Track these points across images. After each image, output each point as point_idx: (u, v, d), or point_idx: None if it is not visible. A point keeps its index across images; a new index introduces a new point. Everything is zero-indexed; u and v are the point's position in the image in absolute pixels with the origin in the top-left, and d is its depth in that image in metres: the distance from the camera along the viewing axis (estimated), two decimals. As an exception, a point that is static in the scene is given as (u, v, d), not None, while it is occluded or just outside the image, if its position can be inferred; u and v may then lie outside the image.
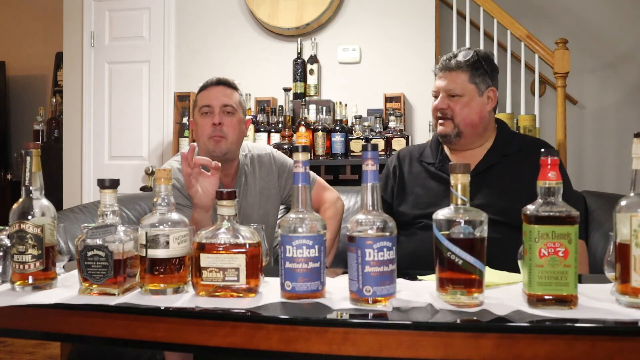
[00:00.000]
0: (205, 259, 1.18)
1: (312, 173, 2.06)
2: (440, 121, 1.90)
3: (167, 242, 1.19)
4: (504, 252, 1.44)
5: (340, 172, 3.36)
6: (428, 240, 1.70)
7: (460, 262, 1.08)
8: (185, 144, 3.65)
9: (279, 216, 2.15)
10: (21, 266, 1.25)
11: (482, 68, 1.88)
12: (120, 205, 1.27)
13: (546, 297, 1.06)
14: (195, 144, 1.84)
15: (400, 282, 1.25)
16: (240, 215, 1.95)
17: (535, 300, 1.06)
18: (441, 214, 1.12)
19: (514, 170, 1.86)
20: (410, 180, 1.99)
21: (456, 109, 1.87)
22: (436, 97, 1.91)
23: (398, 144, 3.20)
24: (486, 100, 1.89)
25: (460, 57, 1.87)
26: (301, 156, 1.18)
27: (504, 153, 1.90)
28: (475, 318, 1.02)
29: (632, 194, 1.08)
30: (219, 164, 1.74)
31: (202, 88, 2.03)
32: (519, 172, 1.84)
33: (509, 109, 3.51)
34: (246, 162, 2.07)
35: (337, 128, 3.32)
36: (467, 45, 3.62)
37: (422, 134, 3.57)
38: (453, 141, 1.90)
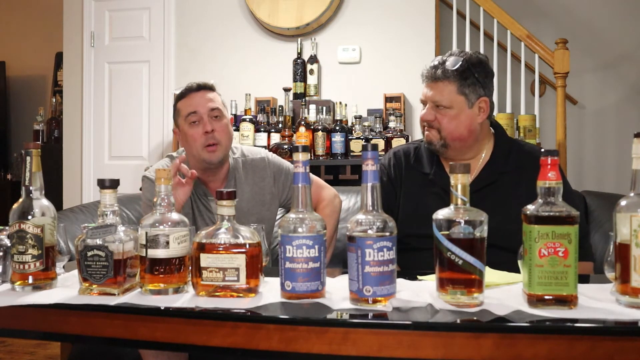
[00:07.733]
0: (205, 259, 1.18)
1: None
2: (426, 129, 1.78)
3: (167, 242, 1.19)
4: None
5: (340, 172, 3.35)
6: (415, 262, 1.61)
7: (460, 262, 1.08)
8: (185, 144, 3.65)
9: (279, 217, 2.14)
10: (21, 266, 1.25)
11: (473, 77, 1.70)
12: (120, 205, 1.27)
13: (546, 297, 1.06)
14: (184, 154, 1.81)
15: (400, 282, 1.25)
16: None
17: (535, 300, 1.06)
18: (441, 214, 1.12)
19: (510, 190, 1.73)
20: (404, 188, 1.85)
21: (443, 122, 1.73)
22: (424, 104, 1.78)
23: (398, 144, 3.19)
24: (477, 111, 1.73)
25: (448, 65, 1.70)
26: (301, 156, 1.18)
27: (502, 170, 1.76)
28: (475, 318, 1.02)
29: (632, 194, 1.08)
30: (195, 173, 1.72)
31: (182, 95, 1.94)
32: (515, 191, 1.71)
33: (509, 109, 3.51)
34: (237, 167, 2.02)
35: (337, 128, 3.32)
36: (467, 45, 3.62)
37: (422, 134, 3.56)
38: (440, 151, 1.78)
